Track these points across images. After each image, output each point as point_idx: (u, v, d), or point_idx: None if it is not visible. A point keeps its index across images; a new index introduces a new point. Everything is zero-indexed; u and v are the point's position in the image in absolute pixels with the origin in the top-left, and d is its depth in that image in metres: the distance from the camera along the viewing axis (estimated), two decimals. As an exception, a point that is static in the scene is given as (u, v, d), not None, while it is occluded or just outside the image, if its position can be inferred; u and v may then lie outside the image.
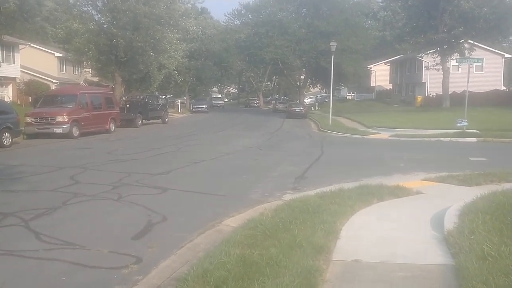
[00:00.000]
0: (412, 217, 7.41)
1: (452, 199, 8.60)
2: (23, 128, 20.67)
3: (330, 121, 31.21)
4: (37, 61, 45.30)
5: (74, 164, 13.16)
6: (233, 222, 7.56)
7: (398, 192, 9.19)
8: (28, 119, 21.13)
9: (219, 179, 11.24)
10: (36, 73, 43.65)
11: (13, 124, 18.28)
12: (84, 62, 42.36)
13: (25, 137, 21.01)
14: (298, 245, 5.66)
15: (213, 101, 68.88)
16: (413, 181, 10.89)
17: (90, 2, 32.77)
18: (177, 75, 40.97)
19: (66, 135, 21.12)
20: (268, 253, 5.42)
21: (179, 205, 8.68)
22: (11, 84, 38.89)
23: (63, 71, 48.97)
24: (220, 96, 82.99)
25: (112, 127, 25.22)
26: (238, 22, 55.72)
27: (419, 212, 7.69)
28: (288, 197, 9.15)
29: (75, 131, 21.59)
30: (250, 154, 16.40)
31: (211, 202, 8.95)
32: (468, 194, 8.98)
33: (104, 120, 24.44)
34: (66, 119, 21.14)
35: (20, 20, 60.83)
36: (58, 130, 20.95)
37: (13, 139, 18.52)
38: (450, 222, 6.54)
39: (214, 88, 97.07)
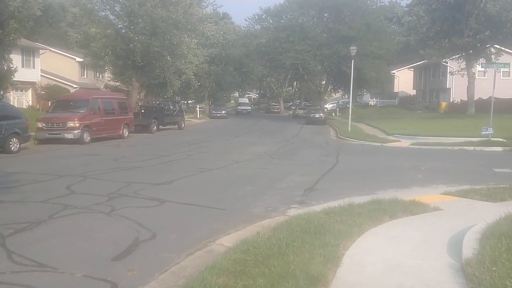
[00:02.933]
0: (427, 239, 6.60)
1: (474, 218, 7.80)
2: (33, 134, 20.39)
3: (349, 128, 30.31)
4: (58, 66, 45.60)
5: (75, 172, 12.67)
6: (228, 241, 6.88)
7: (414, 208, 8.39)
8: (39, 124, 20.86)
9: (223, 190, 10.58)
10: (57, 78, 43.86)
11: (22, 130, 17.96)
12: (105, 67, 42.37)
13: (36, 142, 20.74)
14: (290, 274, 4.95)
15: (239, 107, 65.81)
16: (431, 195, 10.06)
17: (108, 7, 32.69)
18: (194, 80, 40.51)
19: (77, 141, 20.77)
20: (255, 285, 4.73)
21: (173, 220, 8.04)
22: (30, 89, 39.04)
23: (84, 76, 49.16)
24: (246, 101, 76.21)
25: (126, 133, 24.84)
26: (258, 27, 55.23)
27: (435, 233, 6.88)
28: (292, 212, 8.47)
29: (86, 137, 21.24)
30: (261, 162, 15.71)
31: (209, 216, 8.30)
32: (491, 212, 8.15)
33: (117, 125, 24.07)
34: (77, 125, 20.80)
35: (45, 25, 61.97)
36: (69, 136, 20.62)
37: (22, 145, 18.18)
38: (469, 247, 5.74)
39: (235, 93, 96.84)
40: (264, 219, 8.09)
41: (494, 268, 4.86)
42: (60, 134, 20.76)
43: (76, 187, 10.58)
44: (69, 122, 20.76)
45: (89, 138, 21.45)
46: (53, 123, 20.93)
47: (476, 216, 7.95)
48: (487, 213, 8.14)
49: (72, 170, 13.09)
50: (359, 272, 5.27)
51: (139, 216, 8.06)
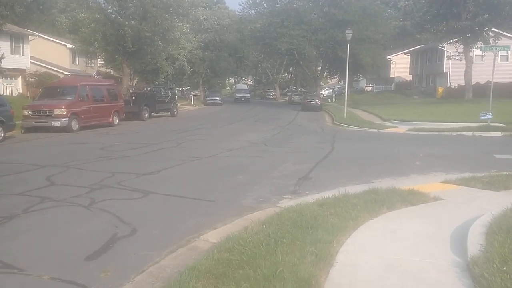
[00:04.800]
0: (428, 233, 6.10)
1: (477, 208, 7.35)
2: (20, 122, 19.77)
3: (345, 114, 29.78)
4: (48, 53, 44.72)
5: (58, 162, 12.10)
6: (213, 236, 6.36)
7: (412, 198, 7.90)
8: (26, 112, 20.22)
9: (212, 181, 10.04)
10: (47, 65, 43.01)
11: (6, 118, 17.34)
12: (97, 54, 41.54)
13: (22, 131, 20.12)
14: (278, 277, 4.44)
15: (237, 94, 61.01)
16: (430, 183, 9.57)
17: (97, -10, 31.83)
18: (187, 66, 39.75)
19: (65, 129, 20.15)
20: (237, 290, 4.22)
21: (156, 213, 7.51)
22: (20, 76, 38.22)
23: (75, 62, 48.28)
24: (245, 87, 69.15)
25: (116, 121, 24.21)
26: (253, 11, 54.14)
27: (436, 226, 6.39)
28: (284, 203, 7.96)
29: (74, 125, 20.60)
30: (254, 150, 15.15)
31: (196, 209, 7.78)
32: (495, 202, 7.71)
33: (107, 113, 23.42)
34: (65, 112, 20.15)
35: (36, 12, 60.87)
36: (56, 124, 19.98)
37: (6, 133, 17.56)
38: (474, 243, 5.25)
39: (231, 80, 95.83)
40: (254, 211, 7.59)
41: (504, 268, 4.37)
42: (47, 122, 20.11)
43: (56, 178, 10.02)
44: (56, 109, 20.10)
45: (77, 126, 20.82)
46: (40, 110, 20.27)
47: (479, 206, 7.49)
48: (491, 203, 7.69)
49: (56, 160, 12.52)
50: (354, 272, 4.76)
51: (120, 210, 7.53)
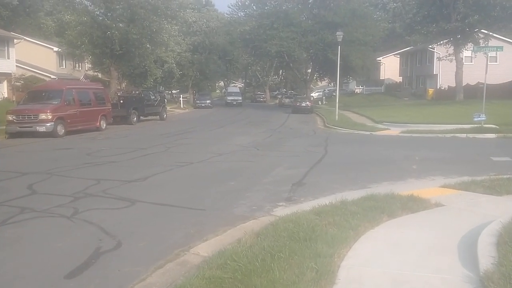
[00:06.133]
0: (433, 243, 5.72)
1: (481, 214, 7.00)
2: (3, 127, 19.18)
3: (337, 116, 29.45)
4: (34, 56, 44.01)
5: (41, 169, 11.59)
6: (204, 249, 5.95)
7: (413, 205, 7.52)
8: (10, 117, 19.62)
9: (202, 187, 9.60)
10: (34, 68, 42.31)
11: (-12, 123, 16.77)
12: (84, 57, 40.89)
13: (6, 136, 19.52)
14: (276, 298, 4.03)
15: (228, 98, 57.66)
16: (429, 188, 9.22)
17: (83, -8, 31.25)
18: (176, 69, 39.25)
19: (50, 134, 19.58)
20: (232, 315, 3.80)
21: (143, 224, 7.06)
22: (5, 80, 37.43)
23: (62, 66, 47.58)
24: (237, 90, 65.24)
25: (103, 125, 23.65)
26: (242, 13, 53.79)
27: (441, 235, 6.01)
28: (279, 211, 7.56)
29: (60, 130, 20.04)
30: (245, 155, 14.72)
31: (185, 219, 7.34)
32: (499, 207, 7.41)
33: (94, 117, 22.85)
34: (50, 117, 19.58)
35: (23, 15, 60.01)
36: (41, 129, 19.41)
37: (-12, 140, 17.01)
38: (486, 255, 4.87)
39: (220, 82, 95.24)
40: (247, 220, 7.19)
41: (523, 286, 3.99)
42: (31, 127, 19.52)
43: (38, 186, 9.52)
44: (41, 114, 19.52)
45: (63, 131, 20.25)
46: (24, 115, 19.68)
47: (483, 213, 7.14)
48: (495, 208, 7.36)
49: (39, 167, 12.00)
50: (359, 291, 4.36)
51: (105, 220, 7.08)
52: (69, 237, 6.39)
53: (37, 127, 19.43)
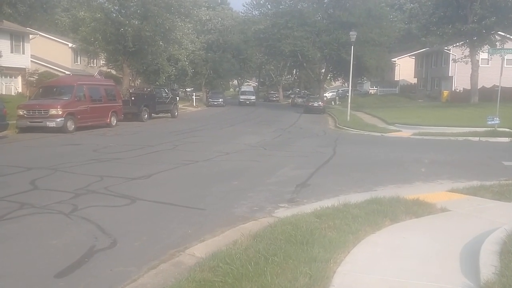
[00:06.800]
0: (435, 250, 5.54)
1: (488, 221, 6.79)
2: (14, 122, 19.29)
3: (348, 117, 29.19)
4: (50, 52, 44.34)
5: (46, 164, 11.58)
6: (200, 250, 5.83)
7: (417, 209, 7.34)
8: (21, 112, 19.71)
9: (205, 186, 9.48)
10: (49, 64, 42.64)
11: (-2, 117, 16.85)
12: (99, 53, 41.11)
13: (17, 131, 19.63)
14: (265, 304, 3.89)
15: (241, 96, 55.53)
16: (436, 192, 9.01)
17: (97, -11, 31.36)
18: (188, 67, 39.25)
19: (60, 130, 19.63)
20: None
21: (141, 222, 6.97)
22: (20, 75, 37.79)
23: (77, 62, 47.87)
24: (251, 89, 62.72)
25: (114, 121, 23.69)
26: (257, 12, 53.69)
27: (444, 242, 5.83)
28: (280, 213, 7.42)
29: (70, 125, 20.09)
30: (252, 154, 14.59)
31: (184, 218, 7.24)
32: (507, 214, 7.22)
33: (105, 113, 22.89)
34: (60, 112, 19.63)
35: (40, 11, 60.53)
36: (51, 124, 19.46)
37: (-2, 133, 17.10)
38: (488, 264, 4.69)
39: (234, 81, 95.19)
40: (247, 221, 7.06)
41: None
42: (42, 122, 19.59)
43: (41, 182, 9.49)
44: (52, 109, 19.58)
45: (73, 126, 20.30)
46: (35, 110, 19.76)
47: (490, 219, 6.93)
48: (502, 215, 7.14)
49: (44, 162, 12.00)
50: (353, 298, 4.21)
51: (103, 218, 7.00)
52: (64, 235, 6.32)
53: (47, 123, 19.49)
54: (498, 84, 21.31)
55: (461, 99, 41.77)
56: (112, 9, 31.49)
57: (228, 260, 4.87)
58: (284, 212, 7.47)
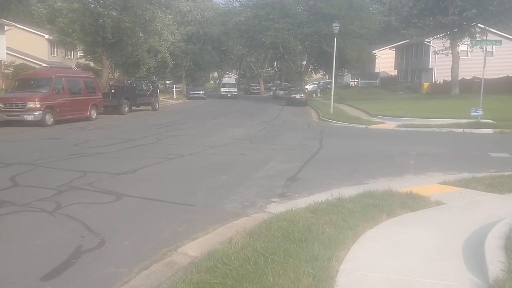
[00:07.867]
0: (436, 245, 5.39)
1: (484, 214, 6.70)
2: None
3: (332, 109, 29.12)
4: (26, 44, 43.36)
5: (27, 159, 11.14)
6: (193, 248, 5.60)
7: (412, 202, 7.20)
8: (-3, 105, 19.10)
9: (193, 181, 9.20)
10: (25, 56, 41.66)
11: (-28, 111, 16.24)
12: (76, 45, 40.21)
13: (-7, 125, 19.02)
14: (269, 308, 3.67)
15: (222, 89, 53.82)
16: (428, 185, 8.89)
17: (75, -22, 30.47)
18: (169, 59, 38.68)
19: (39, 123, 19.07)
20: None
21: (129, 220, 6.68)
22: (-5, 68, 36.78)
23: (54, 54, 46.86)
24: (232, 81, 60.64)
25: (94, 114, 23.14)
26: (237, 4, 53.45)
27: (444, 237, 5.68)
28: (273, 208, 7.21)
29: (49, 119, 19.53)
30: (238, 147, 14.34)
31: (174, 215, 6.97)
32: (501, 207, 7.14)
33: (84, 106, 22.32)
34: (38, 106, 19.06)
35: (15, 2, 58.96)
36: (29, 118, 18.89)
37: (-26, 128, 16.50)
38: (494, 261, 4.54)
39: (214, 73, 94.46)
40: (239, 217, 6.83)
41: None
42: (19, 115, 19.00)
43: (21, 178, 9.10)
44: (29, 102, 18.99)
45: (52, 120, 19.73)
46: (12, 103, 19.15)
47: (486, 212, 6.83)
48: (497, 208, 7.05)
49: (24, 157, 11.56)
50: (359, 299, 4.02)
51: (88, 216, 6.69)
52: (49, 234, 5.99)
53: (25, 116, 18.91)
54: (478, 76, 21.46)
55: (441, 90, 42.12)
56: (90, 0, 30.72)
57: (225, 260, 4.64)
58: (276, 207, 7.26)
